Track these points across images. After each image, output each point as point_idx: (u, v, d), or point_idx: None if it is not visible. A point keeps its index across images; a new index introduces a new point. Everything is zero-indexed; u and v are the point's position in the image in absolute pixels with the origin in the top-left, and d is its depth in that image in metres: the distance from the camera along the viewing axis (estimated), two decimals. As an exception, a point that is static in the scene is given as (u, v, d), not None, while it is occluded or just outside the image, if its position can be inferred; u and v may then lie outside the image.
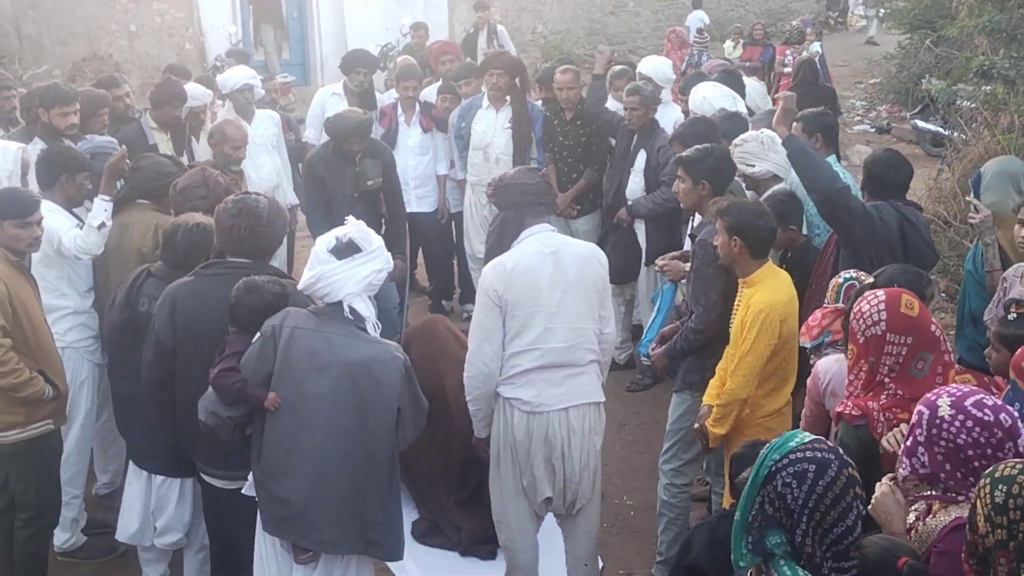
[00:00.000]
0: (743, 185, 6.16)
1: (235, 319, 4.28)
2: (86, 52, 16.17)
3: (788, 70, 13.73)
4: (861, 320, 3.78)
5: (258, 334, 4.17)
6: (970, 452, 3.21)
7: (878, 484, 3.49)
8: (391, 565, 5.43)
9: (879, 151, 5.83)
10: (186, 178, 5.50)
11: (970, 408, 3.22)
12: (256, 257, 4.60)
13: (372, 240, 4.18)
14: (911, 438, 3.36)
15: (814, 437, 3.01)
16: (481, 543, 5.68)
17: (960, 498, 3.26)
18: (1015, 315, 4.07)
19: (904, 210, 5.33)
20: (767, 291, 4.81)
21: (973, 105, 10.46)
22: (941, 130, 13.47)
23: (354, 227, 4.18)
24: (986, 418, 3.20)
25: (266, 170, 8.05)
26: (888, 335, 3.72)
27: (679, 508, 5.51)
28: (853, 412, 3.74)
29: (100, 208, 5.54)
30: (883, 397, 3.73)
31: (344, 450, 4.11)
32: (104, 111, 7.07)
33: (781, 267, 5.36)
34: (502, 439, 4.83)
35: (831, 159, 6.17)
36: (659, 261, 6.08)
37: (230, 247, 4.60)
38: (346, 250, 4.10)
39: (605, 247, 6.59)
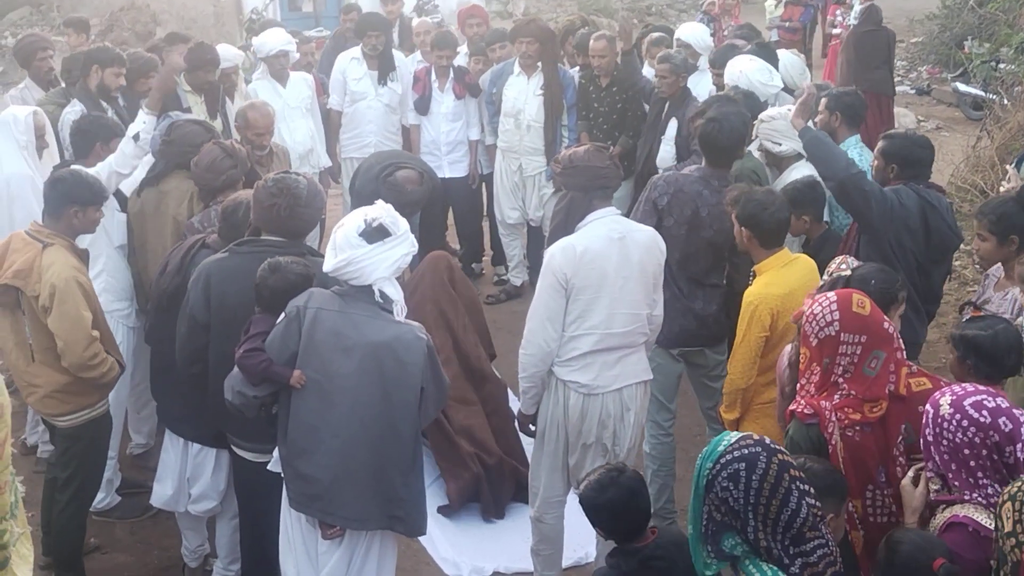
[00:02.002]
0: (764, 162, 6.14)
1: (259, 300, 4.32)
2: (123, 1, 16.18)
3: (838, 31, 13.39)
4: (814, 322, 3.77)
5: (282, 315, 4.22)
6: (967, 452, 3.27)
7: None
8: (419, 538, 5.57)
9: (900, 132, 5.74)
10: (206, 155, 5.47)
11: (968, 408, 3.28)
12: (292, 236, 4.64)
13: (400, 224, 4.20)
14: (923, 439, 3.42)
15: (740, 435, 3.09)
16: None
17: (965, 497, 3.31)
18: (969, 316, 4.06)
19: (925, 193, 5.29)
20: (762, 283, 4.84)
21: (1015, 68, 10.30)
22: (982, 93, 13.25)
23: (383, 210, 4.20)
24: (982, 420, 3.25)
25: (300, 133, 8.12)
26: (842, 335, 3.72)
27: (660, 459, 5.68)
28: (805, 411, 3.75)
29: (140, 120, 5.63)
30: (836, 397, 3.73)
31: (369, 428, 4.17)
32: (152, 74, 7.17)
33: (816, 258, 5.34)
34: (551, 418, 4.91)
35: (853, 139, 6.17)
36: None
37: (267, 225, 4.63)
38: (376, 234, 4.11)
39: (636, 215, 6.62)
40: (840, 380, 3.73)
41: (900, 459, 3.71)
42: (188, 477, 5.16)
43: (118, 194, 5.79)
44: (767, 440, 3.09)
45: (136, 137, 5.62)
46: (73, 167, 5.19)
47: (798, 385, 3.89)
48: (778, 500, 2.96)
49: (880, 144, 5.50)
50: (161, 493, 5.26)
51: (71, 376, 5.00)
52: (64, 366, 4.95)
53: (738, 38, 8.50)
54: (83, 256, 5.14)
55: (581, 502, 3.78)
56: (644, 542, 3.68)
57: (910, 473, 3.59)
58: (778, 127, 5.97)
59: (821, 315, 3.76)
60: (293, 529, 4.38)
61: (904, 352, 3.85)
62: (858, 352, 3.71)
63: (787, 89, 7.30)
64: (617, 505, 3.68)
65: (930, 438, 3.37)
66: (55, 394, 5.05)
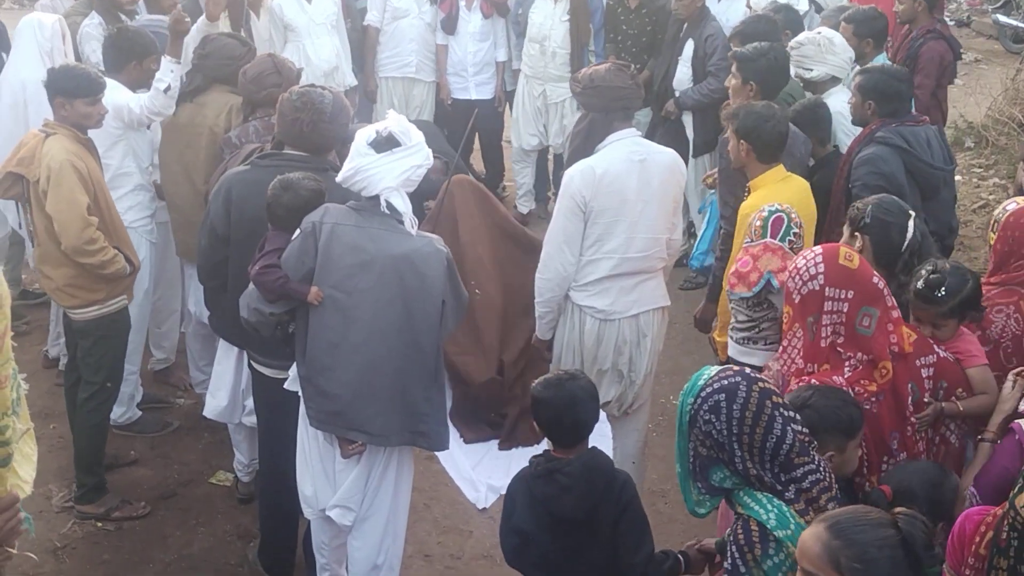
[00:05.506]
0: (801, 86, 5.99)
1: (273, 217, 4.24)
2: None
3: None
4: (797, 277, 3.61)
5: (298, 231, 4.15)
6: None
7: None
8: (439, 456, 5.55)
9: (876, 66, 5.48)
10: (256, 65, 5.40)
11: None
12: (315, 152, 4.56)
13: (412, 135, 4.11)
14: None
15: (720, 368, 3.00)
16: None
17: None
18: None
19: (899, 139, 5.01)
20: (760, 195, 4.66)
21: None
22: (1023, 25, 12.96)
23: (395, 121, 4.11)
24: None
25: (325, 51, 7.96)
26: (827, 289, 3.55)
27: None
28: None
29: (167, 69, 5.58)
30: (846, 370, 3.56)
31: (390, 343, 4.11)
32: None
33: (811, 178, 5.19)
34: (567, 343, 4.86)
35: (881, 58, 6.09)
36: (706, 176, 6.01)
37: (290, 139, 4.56)
38: (385, 144, 4.03)
39: (654, 138, 6.54)
40: (837, 344, 3.56)
41: (911, 419, 3.60)
42: (243, 388, 5.12)
43: None
44: (747, 370, 3.01)
45: (167, 89, 5.56)
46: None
47: (779, 348, 3.71)
48: (762, 428, 2.88)
49: (856, 80, 5.30)
50: (215, 405, 5.23)
51: (77, 269, 5.05)
52: (63, 251, 5.01)
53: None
54: (88, 146, 5.16)
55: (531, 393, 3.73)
56: (569, 454, 3.60)
57: (1010, 376, 3.53)
58: (808, 52, 5.82)
59: (805, 268, 3.60)
60: (310, 447, 4.35)
61: (899, 310, 3.67)
62: (845, 309, 3.55)
63: (818, 8, 7.18)
64: (554, 406, 3.58)
65: None
66: (65, 288, 5.13)
